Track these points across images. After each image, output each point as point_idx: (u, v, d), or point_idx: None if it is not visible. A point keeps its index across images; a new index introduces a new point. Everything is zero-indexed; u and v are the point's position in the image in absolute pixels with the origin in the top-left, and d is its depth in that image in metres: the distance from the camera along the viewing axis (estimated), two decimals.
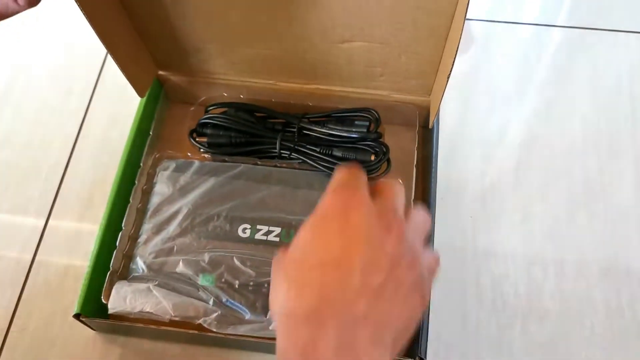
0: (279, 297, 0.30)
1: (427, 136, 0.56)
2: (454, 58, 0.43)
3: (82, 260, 0.52)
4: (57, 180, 0.59)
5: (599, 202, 0.56)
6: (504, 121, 0.61)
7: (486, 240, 0.55)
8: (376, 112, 0.53)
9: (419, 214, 0.34)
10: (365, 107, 0.53)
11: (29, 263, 0.55)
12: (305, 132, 0.54)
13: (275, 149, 0.52)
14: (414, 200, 0.52)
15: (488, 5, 0.69)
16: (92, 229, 0.53)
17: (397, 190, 0.33)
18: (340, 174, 0.33)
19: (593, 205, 0.56)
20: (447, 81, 0.46)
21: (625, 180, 0.57)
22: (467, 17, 0.39)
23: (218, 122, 0.54)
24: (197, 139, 0.54)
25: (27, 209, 0.57)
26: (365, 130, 0.53)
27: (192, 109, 0.57)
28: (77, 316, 0.46)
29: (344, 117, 0.54)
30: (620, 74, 0.63)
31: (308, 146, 0.52)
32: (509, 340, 0.51)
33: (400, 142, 0.56)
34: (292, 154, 0.52)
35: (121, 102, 0.61)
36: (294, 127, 0.54)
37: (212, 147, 0.54)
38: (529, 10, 0.68)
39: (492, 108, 0.62)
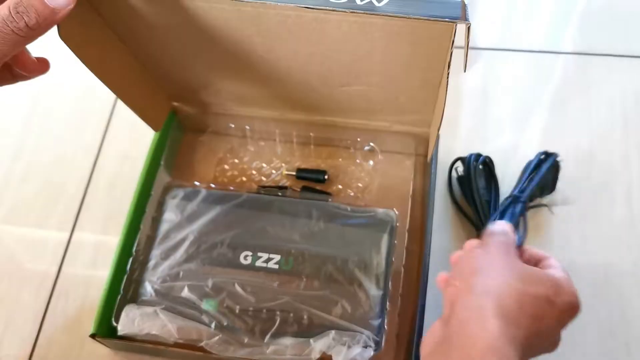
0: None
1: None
2: (443, 111, 0.45)
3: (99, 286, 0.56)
4: (74, 211, 0.63)
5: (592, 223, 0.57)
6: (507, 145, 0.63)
7: None
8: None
9: None
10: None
11: (48, 297, 0.59)
12: None
13: None
14: (408, 230, 0.54)
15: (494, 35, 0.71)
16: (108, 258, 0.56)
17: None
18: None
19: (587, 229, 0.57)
20: (438, 132, 0.48)
21: (617, 203, 0.59)
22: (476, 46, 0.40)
23: None
24: None
25: (46, 246, 0.61)
26: None
27: (200, 138, 0.60)
28: (93, 336, 0.50)
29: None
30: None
31: None
32: None
33: (399, 171, 0.58)
34: None
35: (135, 133, 0.65)
36: None
37: None
38: (529, 39, 0.70)
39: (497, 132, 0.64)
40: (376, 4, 0.35)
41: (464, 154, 0.59)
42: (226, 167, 0.60)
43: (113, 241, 0.54)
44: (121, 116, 0.68)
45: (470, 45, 0.70)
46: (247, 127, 0.60)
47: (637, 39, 0.68)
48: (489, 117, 0.65)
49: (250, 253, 0.52)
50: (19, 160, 0.66)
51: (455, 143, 0.63)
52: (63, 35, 0.40)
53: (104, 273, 0.53)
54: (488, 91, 0.67)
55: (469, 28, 0.33)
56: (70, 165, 0.65)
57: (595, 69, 0.67)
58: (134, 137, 0.65)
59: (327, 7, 0.35)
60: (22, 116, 0.70)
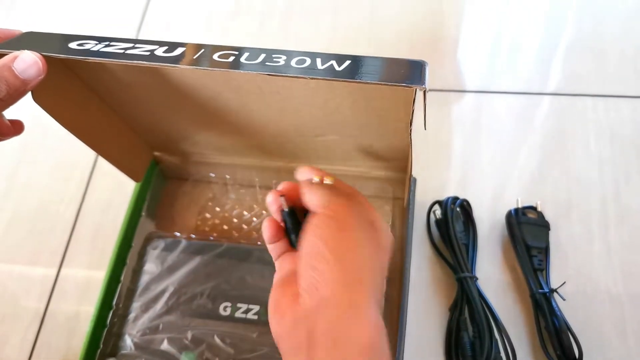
0: None
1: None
2: (411, 163, 0.45)
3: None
4: (57, 262, 0.63)
5: (570, 268, 0.58)
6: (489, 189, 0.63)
7: None
8: None
9: None
10: None
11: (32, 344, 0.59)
12: None
13: None
14: (387, 277, 0.54)
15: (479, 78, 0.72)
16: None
17: None
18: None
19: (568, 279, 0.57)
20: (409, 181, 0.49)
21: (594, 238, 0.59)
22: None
23: None
24: None
25: (30, 295, 0.61)
26: None
27: (182, 188, 0.61)
28: None
29: None
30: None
31: None
32: None
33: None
34: None
35: (118, 180, 0.64)
36: None
37: None
38: (507, 82, 0.71)
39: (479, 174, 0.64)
40: (337, 68, 0.36)
41: (448, 194, 0.60)
42: (208, 215, 0.61)
43: (96, 292, 0.54)
44: (104, 165, 0.68)
45: (452, 88, 0.71)
46: (228, 177, 0.60)
47: (613, 80, 0.69)
48: (470, 159, 0.65)
49: (229, 304, 0.52)
50: (2, 211, 0.67)
51: (436, 184, 0.63)
52: (37, 99, 0.41)
53: (87, 321, 0.53)
54: (470, 132, 0.67)
55: (425, 93, 0.34)
56: (54, 215, 0.66)
57: (572, 110, 0.67)
58: (118, 183, 0.65)
59: (289, 74, 0.35)
60: (6, 167, 0.70)
